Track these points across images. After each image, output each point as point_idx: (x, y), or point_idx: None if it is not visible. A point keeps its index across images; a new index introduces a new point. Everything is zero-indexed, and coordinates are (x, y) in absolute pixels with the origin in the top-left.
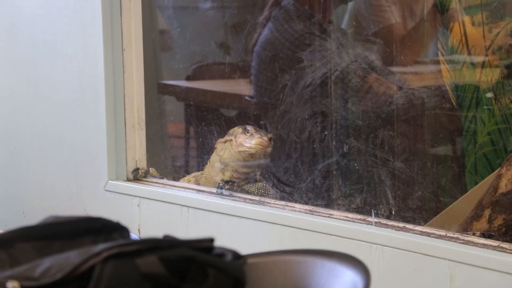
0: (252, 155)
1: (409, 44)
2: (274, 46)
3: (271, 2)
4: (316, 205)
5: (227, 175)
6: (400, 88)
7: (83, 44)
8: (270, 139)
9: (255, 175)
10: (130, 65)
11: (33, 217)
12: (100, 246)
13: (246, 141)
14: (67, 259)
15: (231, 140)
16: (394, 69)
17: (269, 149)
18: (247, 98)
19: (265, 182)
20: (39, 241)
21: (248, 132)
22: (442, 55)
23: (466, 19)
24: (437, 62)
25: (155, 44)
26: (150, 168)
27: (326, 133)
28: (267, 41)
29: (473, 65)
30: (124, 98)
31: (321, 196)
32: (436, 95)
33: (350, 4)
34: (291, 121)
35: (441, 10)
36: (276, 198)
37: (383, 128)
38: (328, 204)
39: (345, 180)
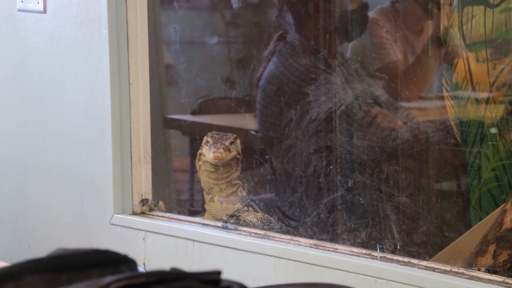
0: (215, 166)
1: (414, 80)
2: (279, 80)
3: (277, 37)
4: (321, 239)
5: (206, 186)
6: (405, 123)
7: (90, 79)
8: (228, 146)
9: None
10: (136, 99)
11: (38, 251)
12: (108, 279)
13: (207, 152)
14: None
15: (200, 152)
16: (399, 104)
17: (232, 154)
18: (252, 132)
19: (262, 212)
20: (47, 273)
21: (208, 143)
22: (447, 90)
23: (470, 55)
24: (442, 98)
25: (161, 79)
26: (160, 201)
27: (331, 167)
28: (272, 75)
29: (477, 101)
30: (130, 132)
31: (326, 230)
32: (441, 130)
33: (353, 41)
34: (296, 155)
35: (445, 46)
36: (281, 232)
37: (388, 163)
38: (333, 239)
39: (350, 214)
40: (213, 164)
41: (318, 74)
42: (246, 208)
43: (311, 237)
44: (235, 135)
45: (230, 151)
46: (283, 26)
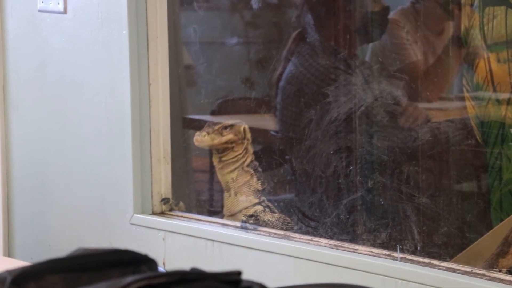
0: (215, 150)
1: (434, 80)
2: (299, 81)
3: (295, 35)
4: (341, 240)
5: (220, 179)
6: (425, 123)
7: (110, 79)
8: (218, 130)
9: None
10: (156, 99)
11: (59, 250)
12: (129, 279)
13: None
14: None
15: None
16: (419, 104)
17: (225, 138)
18: (272, 132)
19: (279, 213)
20: (68, 273)
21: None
22: (467, 91)
23: (491, 56)
24: (462, 98)
25: (181, 79)
26: (180, 201)
27: (351, 168)
28: (292, 76)
29: (498, 101)
30: (150, 132)
31: (346, 231)
32: (461, 131)
33: (373, 42)
34: (316, 156)
35: (466, 47)
36: (300, 232)
37: (408, 164)
38: (353, 239)
39: (370, 215)
40: (213, 150)
41: (338, 75)
42: (262, 209)
43: (331, 238)
44: (235, 122)
45: (223, 136)
46: (303, 26)
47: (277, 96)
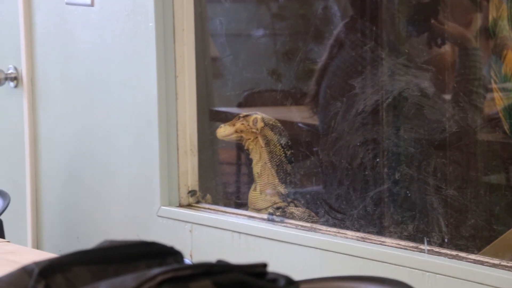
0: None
1: (462, 72)
2: (347, 74)
3: (343, 25)
4: (368, 232)
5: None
6: (452, 115)
7: (137, 72)
8: (233, 121)
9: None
10: (182, 92)
11: (86, 242)
12: (155, 271)
13: None
14: (122, 283)
15: None
16: (446, 96)
17: (235, 127)
18: (299, 125)
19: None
20: (95, 265)
21: None
22: (495, 82)
23: None
24: (490, 90)
25: (208, 71)
26: (207, 194)
27: (378, 160)
28: (338, 67)
29: None
30: (177, 124)
31: (373, 223)
32: (489, 123)
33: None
34: (342, 148)
35: (494, 38)
36: (327, 224)
37: (435, 156)
38: (380, 231)
39: (397, 207)
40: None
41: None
42: (286, 204)
43: (357, 230)
44: (251, 113)
45: (234, 126)
46: (351, 16)
47: (319, 87)
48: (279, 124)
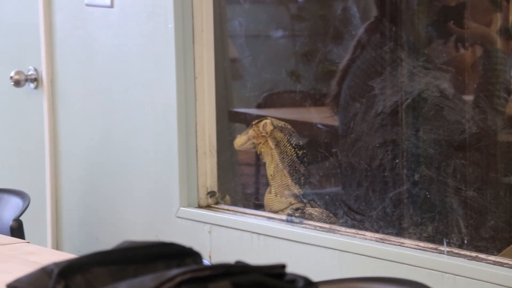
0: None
1: (482, 73)
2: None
3: (367, 25)
4: (387, 234)
5: None
6: (472, 116)
7: (156, 73)
8: (246, 131)
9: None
10: (202, 93)
11: (106, 243)
12: (174, 271)
13: None
14: (141, 284)
15: None
16: (466, 97)
17: (242, 140)
18: (318, 126)
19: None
20: (114, 265)
21: None
22: None
23: None
24: (510, 91)
25: (227, 72)
26: (227, 195)
27: (397, 161)
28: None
29: None
30: (196, 125)
31: (392, 224)
32: (509, 123)
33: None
34: (362, 149)
35: None
36: (346, 225)
37: (454, 157)
38: (399, 233)
39: (416, 208)
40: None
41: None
42: (303, 205)
43: (376, 231)
44: (260, 119)
45: (247, 133)
46: (375, 17)
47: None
48: (289, 126)
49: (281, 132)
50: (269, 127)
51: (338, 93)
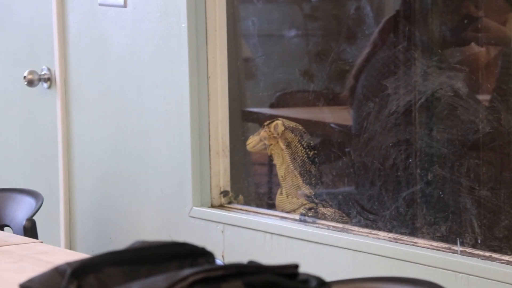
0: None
1: (495, 72)
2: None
3: (385, 21)
4: (400, 233)
5: None
6: (485, 116)
7: (169, 72)
8: (258, 132)
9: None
10: (215, 93)
11: (119, 243)
12: (187, 271)
13: None
14: (154, 284)
15: None
16: (480, 97)
17: (253, 142)
18: (332, 125)
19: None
20: (127, 265)
21: None
22: None
23: None
24: None
25: (240, 72)
26: (240, 195)
27: (410, 160)
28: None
29: None
30: (209, 125)
31: (405, 224)
32: None
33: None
34: (375, 149)
35: None
36: (359, 225)
37: (468, 156)
38: (413, 232)
39: (429, 208)
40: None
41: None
42: (314, 205)
43: (390, 231)
44: (271, 120)
45: (259, 135)
46: (396, 11)
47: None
48: (300, 127)
49: (292, 133)
50: (281, 128)
51: (354, 85)
